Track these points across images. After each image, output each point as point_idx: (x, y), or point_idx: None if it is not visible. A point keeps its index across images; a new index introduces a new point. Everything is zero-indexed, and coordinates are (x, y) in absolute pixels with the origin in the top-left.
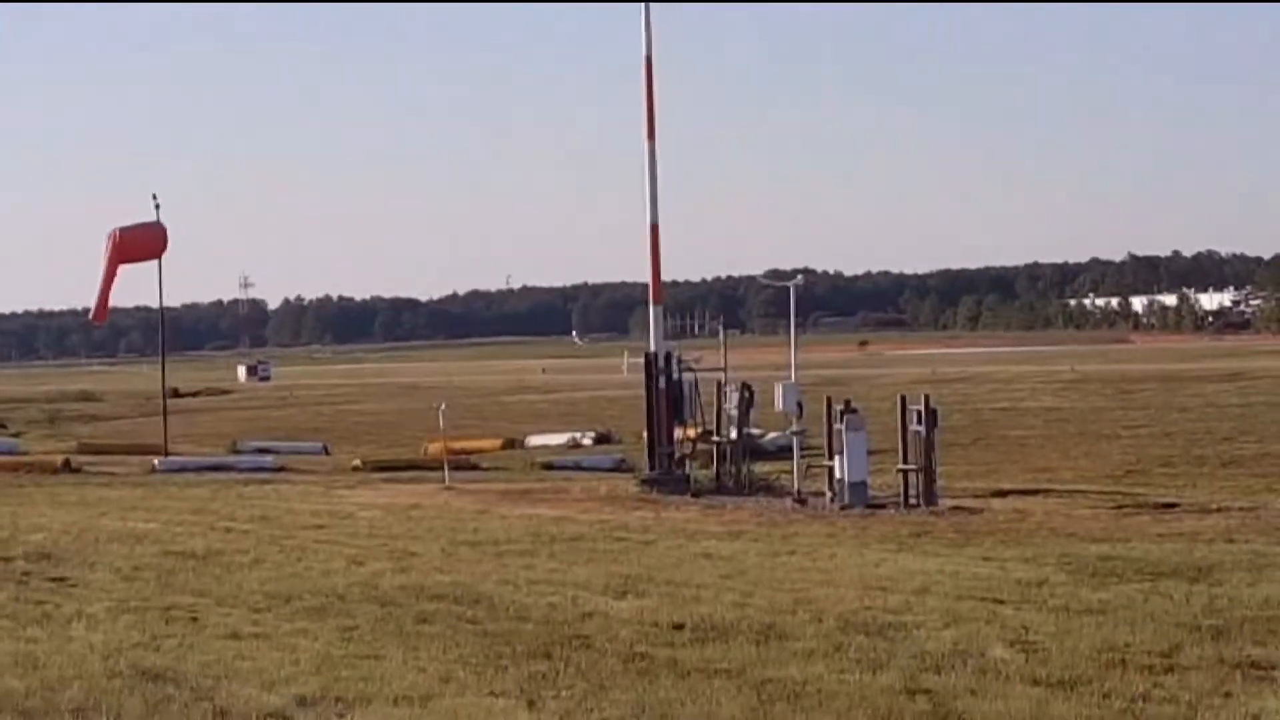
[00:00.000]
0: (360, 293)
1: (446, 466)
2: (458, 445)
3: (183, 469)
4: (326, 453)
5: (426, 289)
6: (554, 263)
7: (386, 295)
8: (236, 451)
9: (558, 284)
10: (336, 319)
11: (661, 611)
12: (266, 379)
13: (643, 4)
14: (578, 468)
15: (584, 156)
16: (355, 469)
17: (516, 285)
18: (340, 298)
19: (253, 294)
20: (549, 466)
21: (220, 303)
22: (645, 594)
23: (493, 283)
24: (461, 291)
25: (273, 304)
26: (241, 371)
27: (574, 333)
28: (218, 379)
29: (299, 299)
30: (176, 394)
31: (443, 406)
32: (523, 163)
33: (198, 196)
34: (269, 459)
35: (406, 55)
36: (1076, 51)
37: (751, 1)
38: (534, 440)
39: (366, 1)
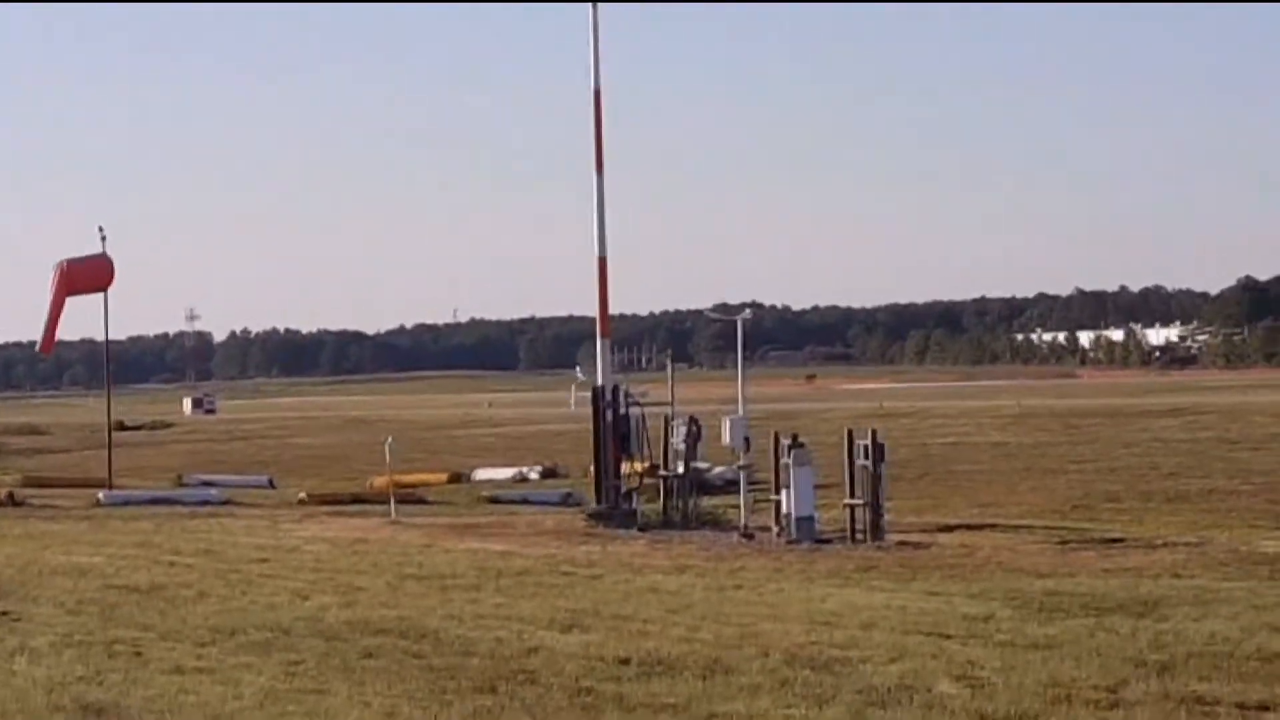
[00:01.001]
0: (307, 325)
1: (393, 500)
2: (404, 479)
3: (127, 502)
4: (272, 486)
5: (373, 322)
6: (501, 296)
7: (333, 328)
8: (182, 485)
9: (505, 317)
10: (283, 352)
11: (607, 646)
12: (212, 412)
13: (592, 37)
14: (524, 502)
15: (532, 190)
16: (301, 502)
17: (464, 318)
18: (287, 330)
19: (199, 326)
20: (495, 500)
21: (166, 335)
22: (591, 628)
23: (440, 316)
24: (409, 324)
25: (219, 336)
26: (187, 404)
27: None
28: (163, 412)
29: (245, 332)
30: (122, 427)
31: (389, 440)
32: (470, 196)
33: (144, 229)
34: (214, 492)
35: (353, 87)
36: (1023, 86)
37: (703, 22)
38: (480, 474)
39: (313, 34)
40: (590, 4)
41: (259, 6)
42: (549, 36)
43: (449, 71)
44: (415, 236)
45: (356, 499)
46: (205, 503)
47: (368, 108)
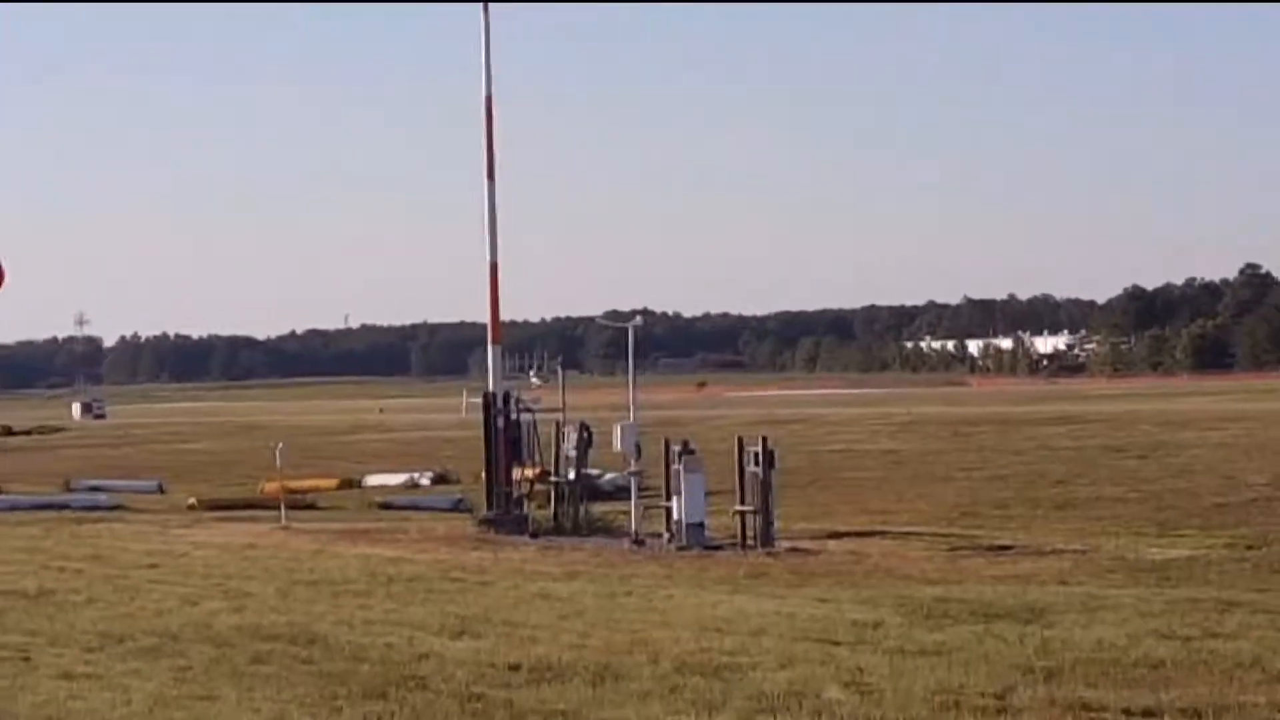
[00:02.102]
0: (198, 330)
1: (283, 506)
2: (295, 484)
3: (14, 507)
4: (162, 491)
5: (264, 327)
6: (393, 302)
7: (224, 333)
8: (70, 490)
9: (397, 323)
10: (173, 357)
11: (498, 652)
12: (102, 417)
13: (483, 43)
14: (415, 508)
15: (424, 196)
16: (191, 508)
17: (355, 324)
18: (177, 335)
19: (88, 331)
20: (386, 506)
21: (55, 340)
22: (482, 634)
23: (331, 321)
24: (300, 330)
25: (109, 341)
26: (76, 409)
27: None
28: (52, 417)
29: (135, 336)
30: (9, 432)
31: (280, 446)
32: (362, 202)
33: (32, 233)
34: (103, 497)
35: (244, 92)
36: (912, 93)
37: (597, 18)
38: (372, 480)
39: (203, 37)
40: (482, 7)
41: (141, 7)
42: (441, 42)
43: (341, 76)
44: (307, 242)
45: (247, 505)
46: (94, 508)
47: (259, 112)
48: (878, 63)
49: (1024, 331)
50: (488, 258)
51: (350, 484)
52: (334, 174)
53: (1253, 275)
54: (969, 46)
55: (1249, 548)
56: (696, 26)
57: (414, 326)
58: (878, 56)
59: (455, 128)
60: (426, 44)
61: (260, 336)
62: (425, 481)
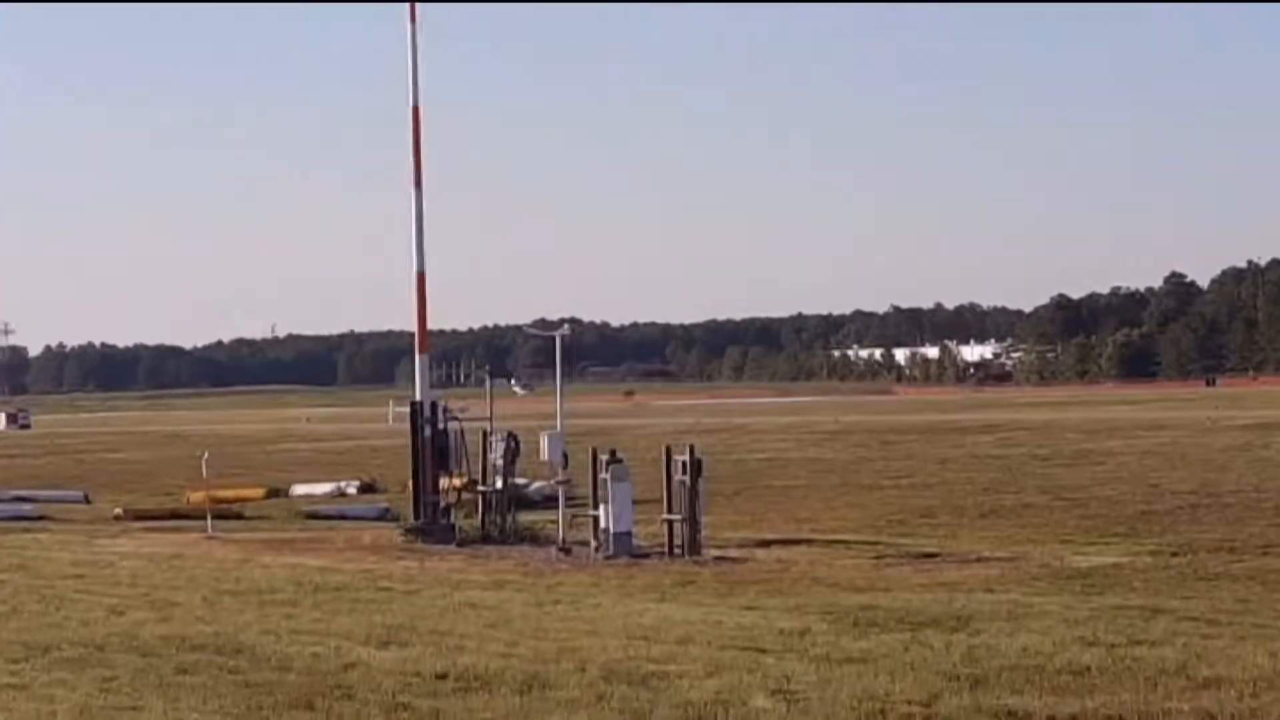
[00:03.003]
0: (124, 340)
1: (209, 515)
2: (221, 494)
3: None
4: (87, 501)
5: (191, 337)
6: (320, 311)
7: (150, 343)
8: None
9: (324, 333)
10: (99, 366)
11: (425, 661)
12: (27, 427)
13: (410, 54)
14: (342, 517)
15: (351, 205)
16: (117, 518)
17: (282, 333)
18: (104, 345)
19: (13, 341)
20: (313, 516)
21: None
22: (409, 644)
23: (258, 331)
24: (226, 339)
25: (34, 351)
26: (1, 419)
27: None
28: None
29: (61, 346)
30: None
31: (205, 455)
32: (288, 211)
33: None
34: (28, 507)
35: (172, 100)
36: (839, 101)
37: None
38: (298, 489)
39: (128, 44)
40: (409, 18)
41: (66, 10)
42: (368, 51)
43: (267, 86)
44: (234, 251)
45: (173, 514)
46: (19, 518)
47: (186, 121)
48: (803, 69)
49: (951, 340)
50: (415, 267)
51: (277, 493)
52: (261, 183)
53: (1177, 284)
54: (894, 52)
55: (1173, 555)
56: (624, 35)
57: (341, 336)
58: (804, 61)
59: (383, 137)
60: (353, 52)
61: (187, 346)
62: (352, 491)
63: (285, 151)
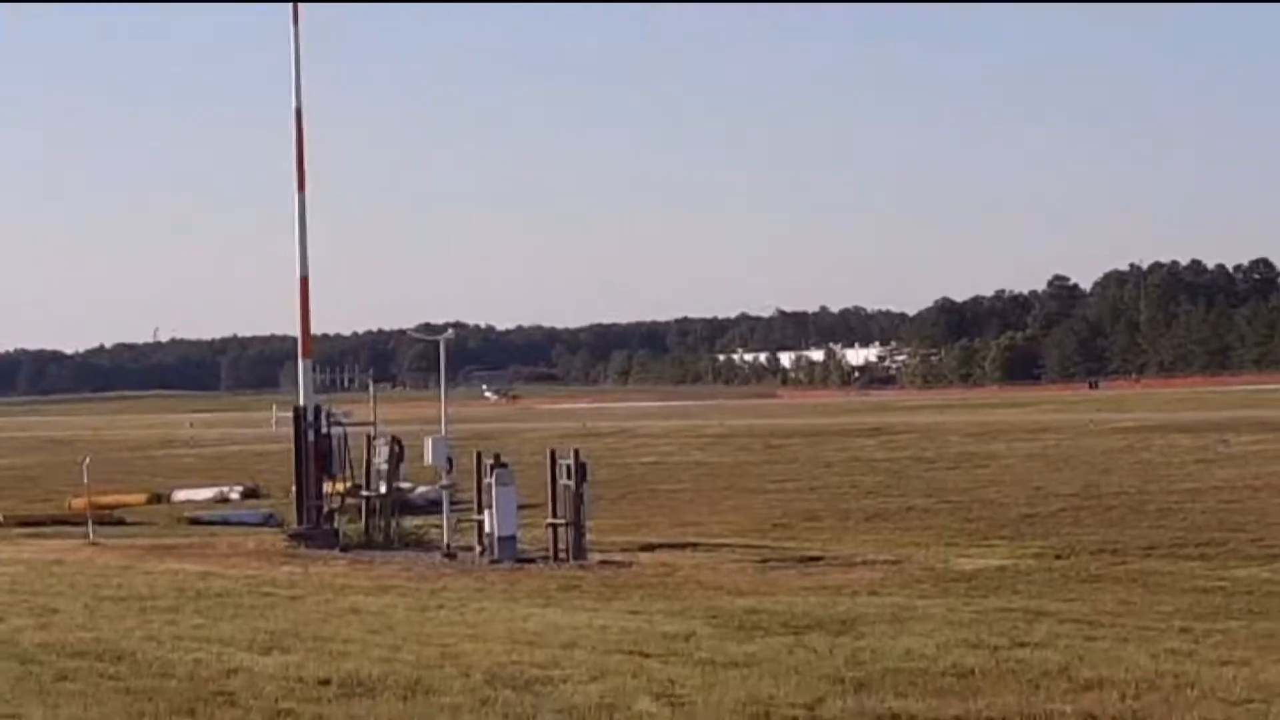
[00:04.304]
0: (4, 345)
1: (91, 521)
2: (102, 500)
3: None
4: None
5: (72, 341)
6: (203, 316)
7: (31, 347)
8: None
9: (206, 337)
10: None
11: (307, 667)
12: None
13: (293, 55)
14: (225, 522)
15: (234, 208)
16: None
17: (164, 338)
18: None
19: None
20: (196, 521)
21: None
22: (291, 649)
23: (140, 335)
24: (108, 344)
25: None
26: None
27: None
28: None
29: None
30: None
31: (86, 460)
32: (172, 213)
33: None
34: None
35: (50, 103)
36: (722, 102)
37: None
38: (181, 495)
39: (15, 41)
40: (291, 20)
41: None
42: (251, 53)
43: (148, 89)
44: (115, 254)
45: (55, 520)
46: None
47: (65, 125)
48: (687, 72)
49: (836, 343)
50: (298, 270)
51: (159, 499)
52: (143, 186)
53: (1061, 287)
54: (787, 54)
55: (1056, 557)
56: (511, 37)
57: (224, 340)
58: (686, 64)
59: (266, 139)
60: (236, 54)
61: (68, 350)
62: (235, 496)
63: (167, 154)
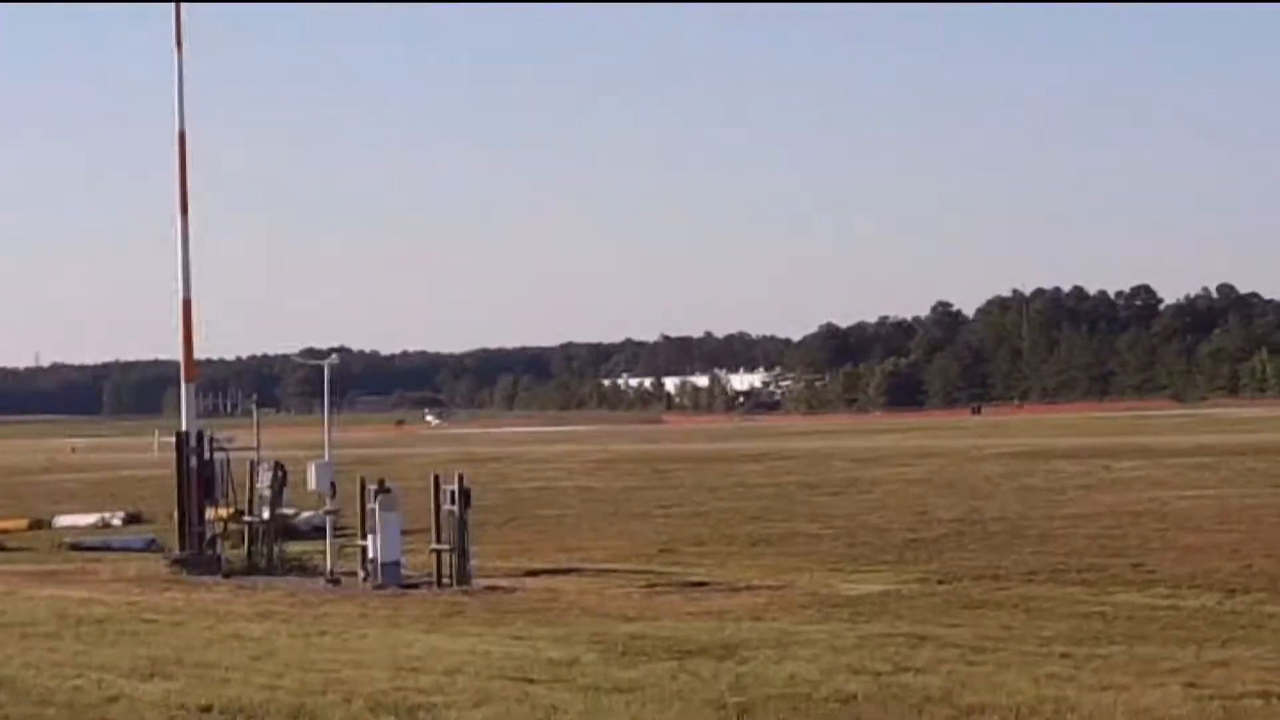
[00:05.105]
0: None
1: None
2: None
3: None
4: None
5: None
6: (85, 340)
7: None
8: None
9: (88, 361)
10: None
11: (189, 694)
12: None
13: (176, 79)
14: (107, 548)
15: (115, 231)
16: None
17: (45, 363)
18: None
19: None
20: (77, 547)
21: None
22: (173, 676)
23: (21, 360)
24: None
25: None
26: None
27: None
28: None
29: None
30: None
31: None
32: (51, 238)
33: None
34: None
35: None
36: (606, 130)
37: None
38: (62, 520)
39: None
40: (174, 43)
41: None
42: (135, 78)
43: (32, 111)
44: None
45: None
46: None
47: None
48: (560, 96)
49: (720, 369)
50: (180, 294)
51: (40, 524)
52: (22, 209)
53: (944, 313)
54: (665, 80)
55: (939, 582)
56: (387, 53)
57: (106, 365)
58: (557, 90)
59: (148, 162)
60: (118, 77)
61: None
62: (117, 522)
63: (47, 176)
